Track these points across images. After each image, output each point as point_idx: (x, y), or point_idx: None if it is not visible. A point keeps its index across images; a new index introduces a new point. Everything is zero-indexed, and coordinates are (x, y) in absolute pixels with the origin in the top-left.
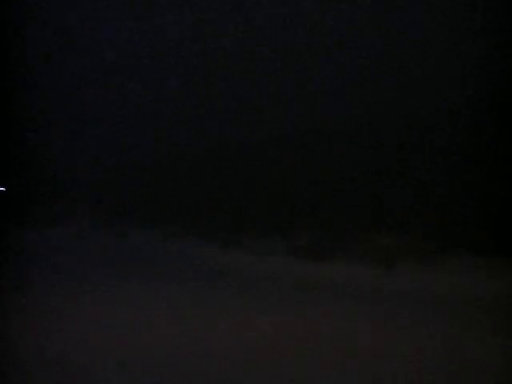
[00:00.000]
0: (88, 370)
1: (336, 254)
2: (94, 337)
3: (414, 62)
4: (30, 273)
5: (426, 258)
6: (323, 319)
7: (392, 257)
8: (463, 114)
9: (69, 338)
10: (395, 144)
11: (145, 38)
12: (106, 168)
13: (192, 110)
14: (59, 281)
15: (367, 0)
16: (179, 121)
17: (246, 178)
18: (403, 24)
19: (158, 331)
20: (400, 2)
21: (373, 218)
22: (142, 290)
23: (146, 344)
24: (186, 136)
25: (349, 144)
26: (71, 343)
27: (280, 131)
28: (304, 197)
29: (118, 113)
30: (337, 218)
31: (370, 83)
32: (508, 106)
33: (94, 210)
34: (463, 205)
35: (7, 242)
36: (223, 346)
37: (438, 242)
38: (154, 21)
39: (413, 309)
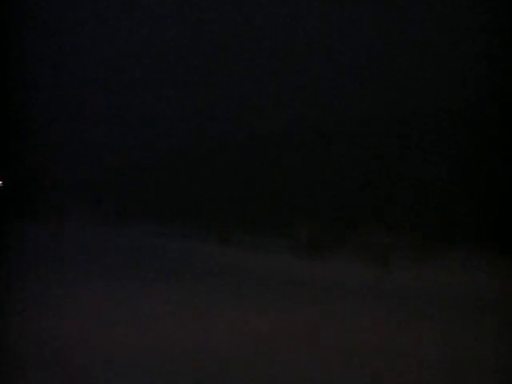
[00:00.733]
0: (88, 365)
1: (336, 251)
2: (95, 332)
3: (413, 61)
4: (31, 265)
5: (426, 255)
6: (324, 316)
7: (392, 254)
8: (463, 112)
9: (70, 333)
10: (395, 141)
11: (145, 37)
12: (108, 166)
13: (194, 108)
14: (61, 274)
15: None
16: (181, 118)
17: (246, 176)
18: (403, 23)
19: (159, 328)
20: (400, 2)
21: (373, 215)
22: (146, 287)
23: (147, 341)
24: (189, 134)
25: (349, 143)
26: (73, 339)
27: (281, 129)
28: (305, 194)
29: (120, 111)
30: (337, 215)
31: (370, 82)
32: (508, 105)
33: (96, 206)
34: (463, 202)
35: (9, 235)
36: (222, 343)
37: (437, 239)
38: (153, 20)
39: (415, 305)
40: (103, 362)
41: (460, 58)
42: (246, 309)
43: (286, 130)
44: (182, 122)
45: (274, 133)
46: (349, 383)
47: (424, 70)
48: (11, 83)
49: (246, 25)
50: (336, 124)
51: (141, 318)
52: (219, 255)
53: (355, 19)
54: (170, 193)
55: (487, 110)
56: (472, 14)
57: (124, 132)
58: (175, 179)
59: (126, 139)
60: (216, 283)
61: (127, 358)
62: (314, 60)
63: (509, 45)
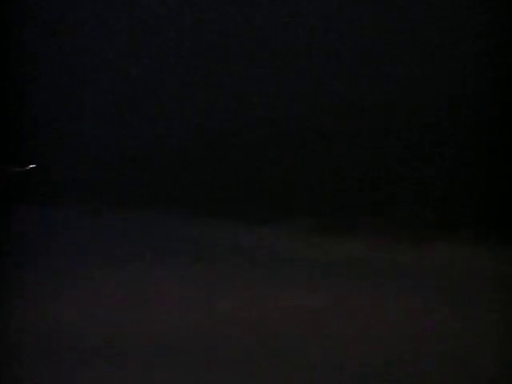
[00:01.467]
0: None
1: (355, 232)
2: (111, 315)
3: (413, 61)
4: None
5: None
6: (344, 296)
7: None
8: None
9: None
10: (406, 126)
11: (145, 37)
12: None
13: (195, 107)
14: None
15: None
16: (181, 118)
17: (268, 159)
18: (403, 23)
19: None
20: (400, 2)
21: (390, 196)
22: (169, 270)
23: (172, 323)
24: (191, 132)
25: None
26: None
27: (300, 113)
28: (328, 177)
29: (120, 110)
30: (357, 196)
31: (369, 79)
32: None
33: (110, 190)
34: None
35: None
36: (246, 324)
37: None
38: (153, 20)
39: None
40: (138, 349)
41: (460, 58)
42: (269, 288)
43: (307, 112)
44: (182, 122)
45: (294, 114)
46: (379, 362)
47: (424, 69)
48: (11, 83)
49: (246, 24)
50: (349, 112)
51: (169, 302)
52: (244, 235)
53: (355, 17)
54: (192, 174)
55: (488, 106)
56: (472, 14)
57: (124, 131)
58: (197, 160)
59: (126, 138)
60: (239, 263)
61: (162, 340)
62: (314, 59)
63: (509, 45)
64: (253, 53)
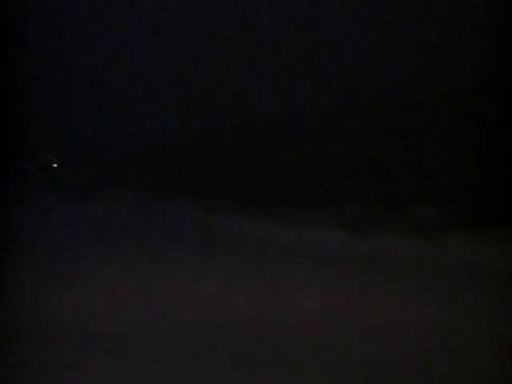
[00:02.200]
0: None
1: (377, 228)
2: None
3: (414, 60)
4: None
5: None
6: (364, 292)
7: (436, 229)
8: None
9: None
10: (406, 125)
11: (144, 37)
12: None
13: (195, 107)
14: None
15: None
16: (182, 118)
17: (288, 152)
18: (403, 23)
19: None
20: (400, 2)
21: (416, 191)
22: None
23: (193, 313)
24: (192, 131)
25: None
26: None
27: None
28: (347, 171)
29: (120, 110)
30: (378, 192)
31: (369, 76)
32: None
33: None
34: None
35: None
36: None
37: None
38: (153, 20)
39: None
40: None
41: (460, 57)
42: (286, 281)
43: (324, 105)
44: (183, 121)
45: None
46: (405, 359)
47: (424, 68)
48: (11, 83)
49: (246, 24)
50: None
51: (190, 294)
52: (262, 229)
53: (355, 17)
54: (210, 167)
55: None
56: (472, 14)
57: (124, 131)
58: (215, 153)
59: (126, 138)
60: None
61: (183, 333)
62: (315, 56)
63: (509, 45)
64: (253, 53)
